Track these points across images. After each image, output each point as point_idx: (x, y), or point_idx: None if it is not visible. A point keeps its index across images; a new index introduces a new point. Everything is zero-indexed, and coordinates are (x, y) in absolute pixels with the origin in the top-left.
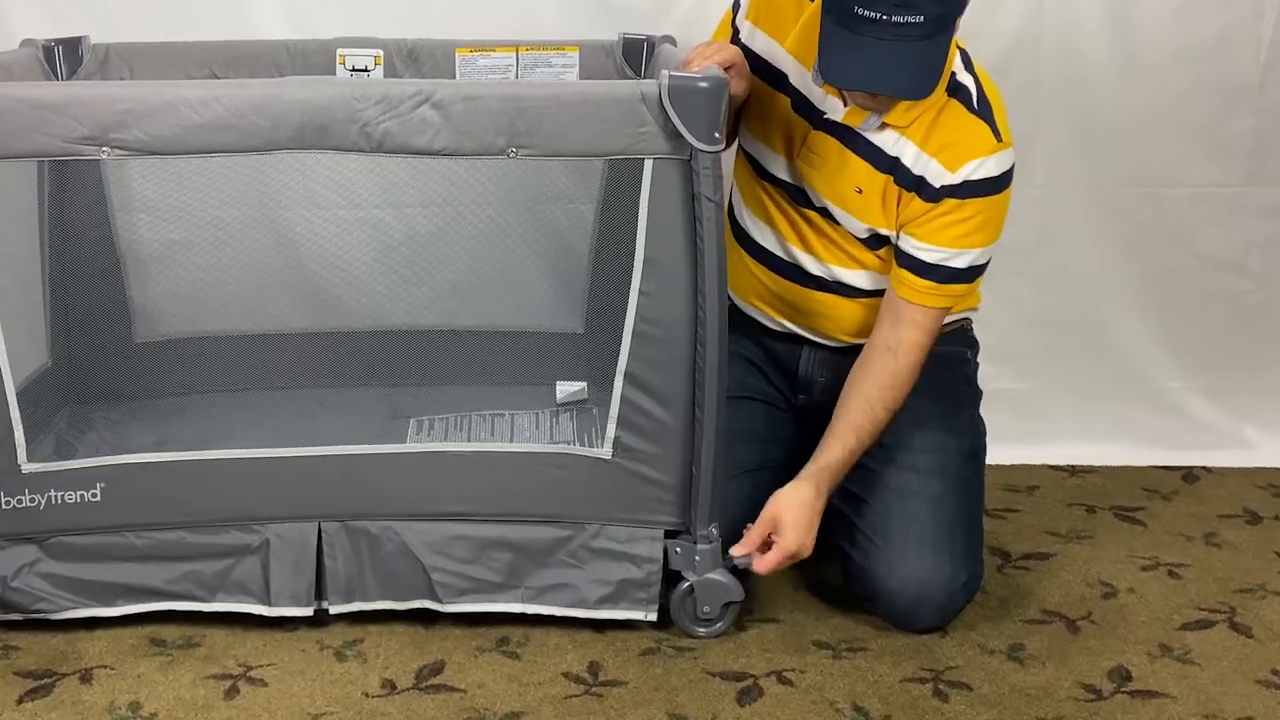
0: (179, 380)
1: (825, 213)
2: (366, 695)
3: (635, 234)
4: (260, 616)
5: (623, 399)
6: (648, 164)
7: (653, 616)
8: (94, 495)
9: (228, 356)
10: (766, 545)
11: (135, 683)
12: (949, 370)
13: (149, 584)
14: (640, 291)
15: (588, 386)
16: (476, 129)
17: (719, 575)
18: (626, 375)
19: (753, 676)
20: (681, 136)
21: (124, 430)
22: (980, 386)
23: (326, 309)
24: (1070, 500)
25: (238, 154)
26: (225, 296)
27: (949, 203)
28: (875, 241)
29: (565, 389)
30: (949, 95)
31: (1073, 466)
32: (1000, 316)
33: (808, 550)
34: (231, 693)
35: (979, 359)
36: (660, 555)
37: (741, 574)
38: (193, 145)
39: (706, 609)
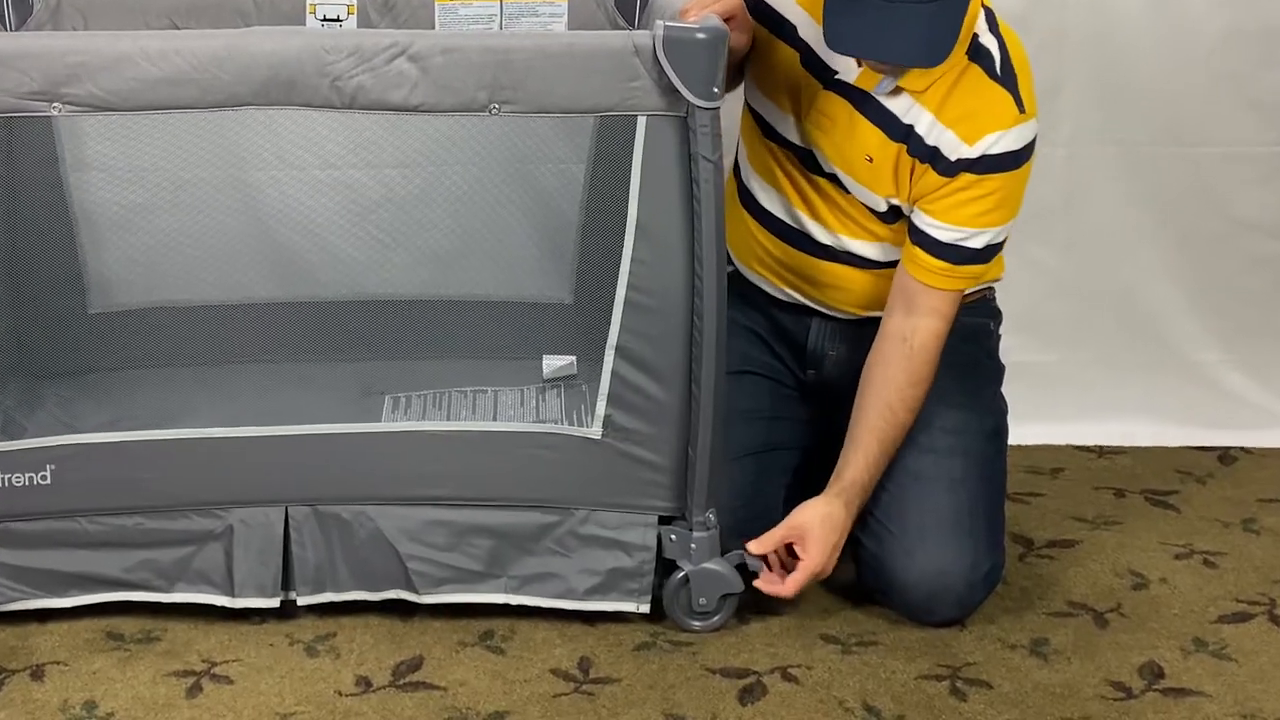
0: (137, 354)
1: (835, 180)
2: (339, 693)
3: (627, 197)
4: (224, 608)
5: (614, 374)
6: (641, 121)
7: (645, 608)
8: (44, 478)
9: (189, 328)
10: (786, 552)
11: (90, 680)
12: (970, 344)
13: (104, 573)
14: (633, 259)
15: (576, 361)
16: (456, 83)
17: (716, 565)
18: (618, 349)
19: (755, 673)
20: (677, 92)
21: (77, 408)
22: (1002, 361)
23: (296, 277)
24: (1098, 483)
25: (199, 110)
26: (187, 264)
27: (965, 178)
28: (892, 215)
29: (553, 364)
30: (969, 59)
31: (1100, 447)
32: (1022, 284)
33: (831, 569)
34: (194, 691)
35: (1001, 331)
36: (654, 543)
37: (745, 570)
38: (150, 101)
39: (703, 601)
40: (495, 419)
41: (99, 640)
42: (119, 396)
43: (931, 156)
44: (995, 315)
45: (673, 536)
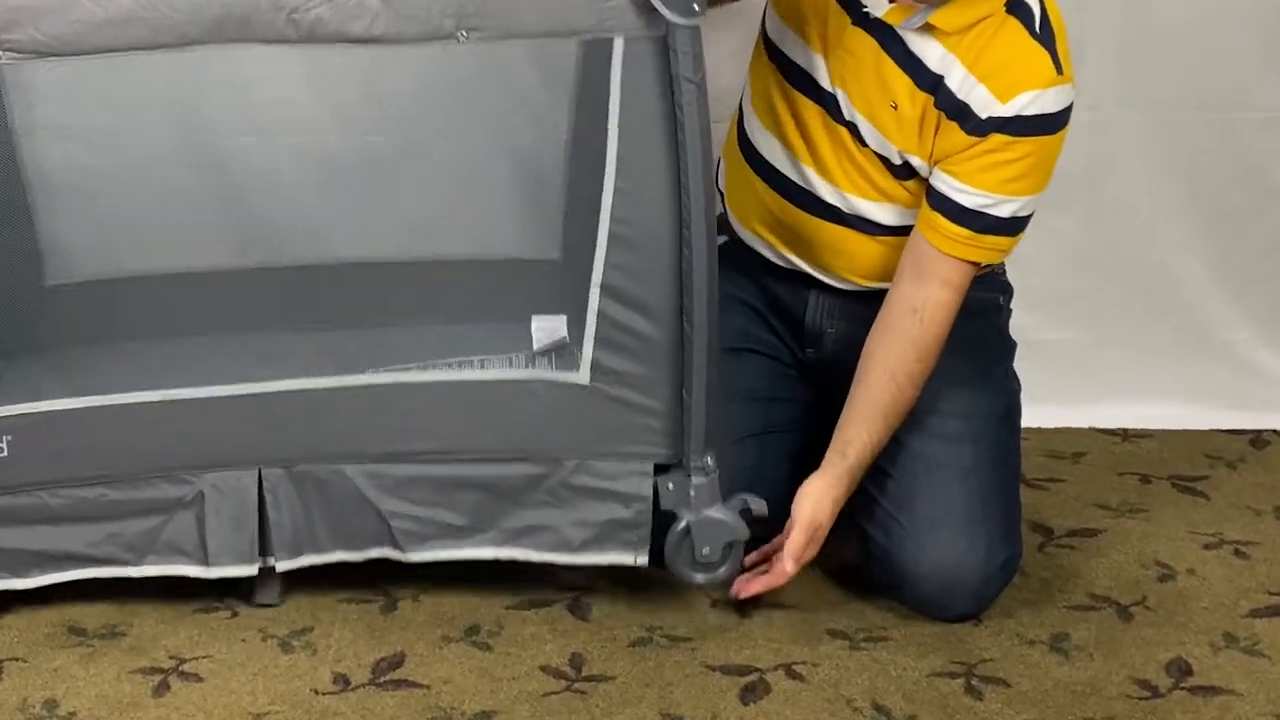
0: (97, 328)
1: (853, 130)
2: (316, 692)
3: (606, 125)
4: (192, 603)
5: (600, 315)
6: (618, 43)
7: (644, 561)
8: (0, 451)
9: (153, 299)
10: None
11: (51, 677)
12: (979, 320)
13: (68, 549)
14: (615, 190)
15: (567, 322)
16: (420, 10)
17: (718, 512)
18: (603, 288)
19: (758, 670)
20: (655, 10)
21: (34, 385)
22: (1013, 338)
23: (266, 242)
24: (1121, 469)
25: (150, 52)
26: (149, 231)
27: (997, 139)
28: (905, 171)
29: (542, 324)
30: (1008, 13)
31: (1124, 430)
32: (1043, 257)
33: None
34: (161, 689)
35: (1012, 305)
36: (649, 492)
37: (749, 516)
38: (98, 44)
39: (706, 551)
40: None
41: (60, 635)
42: (80, 372)
43: (960, 112)
44: (1005, 290)
45: (670, 485)
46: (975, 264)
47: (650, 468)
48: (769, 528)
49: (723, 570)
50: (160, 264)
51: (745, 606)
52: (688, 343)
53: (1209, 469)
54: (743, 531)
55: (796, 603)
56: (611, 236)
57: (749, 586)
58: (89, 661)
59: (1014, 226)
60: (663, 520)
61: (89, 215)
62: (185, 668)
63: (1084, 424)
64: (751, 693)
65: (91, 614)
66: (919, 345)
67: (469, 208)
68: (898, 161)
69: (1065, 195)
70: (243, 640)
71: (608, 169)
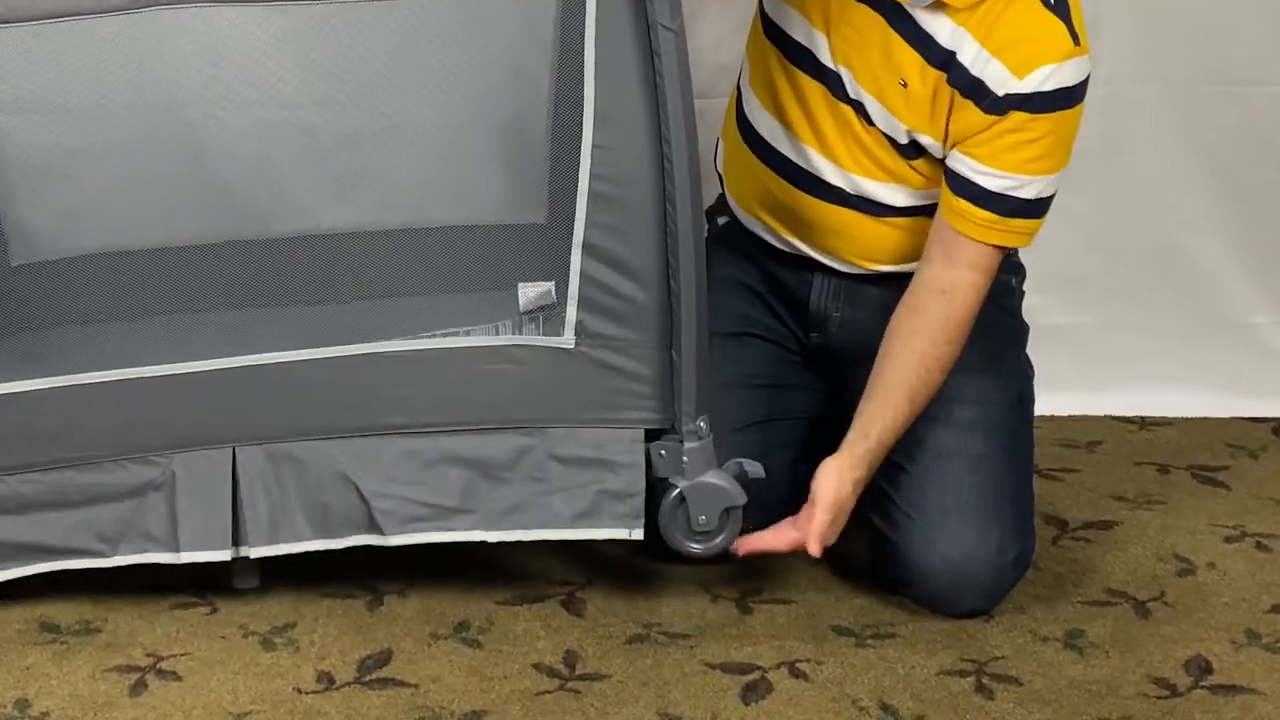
0: (65, 309)
1: (859, 109)
2: (299, 691)
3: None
4: (170, 598)
5: (583, 275)
6: None
7: (639, 534)
8: None
9: (123, 278)
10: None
11: (23, 676)
12: (990, 303)
13: (38, 540)
14: (594, 145)
15: (554, 288)
16: None
17: (714, 478)
18: (585, 246)
19: (760, 669)
20: None
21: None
22: (1026, 321)
23: (237, 215)
24: (1139, 458)
25: (101, 17)
26: (117, 208)
27: (1016, 117)
28: (913, 150)
29: (530, 292)
30: None
31: (1142, 418)
32: (1055, 237)
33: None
34: (138, 688)
35: (1025, 288)
36: (641, 459)
37: (746, 481)
38: (45, 9)
39: (702, 519)
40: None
41: (32, 632)
42: (46, 353)
43: (975, 90)
44: (1017, 270)
45: (662, 452)
46: (1002, 248)
47: (641, 434)
48: (773, 517)
49: (720, 539)
50: (129, 240)
51: (746, 601)
52: (675, 302)
53: (1230, 458)
54: (740, 496)
55: (800, 598)
56: (591, 194)
57: (747, 543)
58: (62, 659)
59: (1039, 208)
60: (658, 491)
61: (54, 192)
62: (163, 666)
63: (1099, 411)
64: (753, 692)
65: (65, 609)
66: (947, 326)
67: (450, 172)
68: (904, 141)
69: (1079, 173)
70: (223, 637)
71: (585, 124)
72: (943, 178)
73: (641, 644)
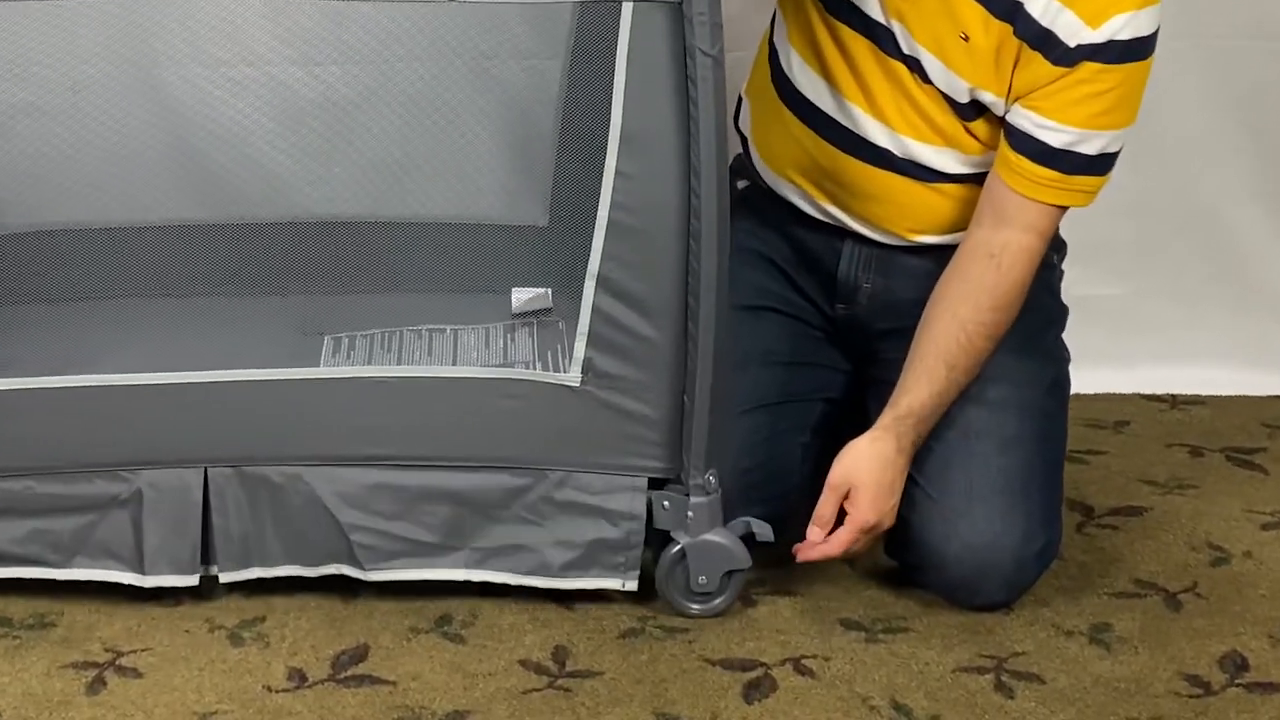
0: (28, 286)
1: (914, 64)
2: (269, 689)
3: (610, 101)
4: (131, 587)
5: (594, 310)
6: (626, 9)
7: (632, 586)
8: None
9: (90, 255)
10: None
11: None
12: (1032, 279)
13: None
14: (617, 173)
15: (552, 294)
16: None
17: (718, 536)
18: (600, 280)
19: (763, 665)
20: None
21: None
22: (1065, 301)
23: (218, 194)
24: (1170, 439)
25: None
26: (85, 178)
27: (1088, 68)
28: (972, 110)
29: (524, 297)
30: None
31: (1173, 396)
32: None
33: (889, 521)
34: (96, 685)
35: (1065, 265)
36: (643, 510)
37: (752, 542)
38: None
39: (702, 580)
40: (454, 363)
41: None
42: (8, 338)
43: (1044, 41)
44: (1059, 246)
45: (665, 503)
46: (1063, 208)
47: (644, 483)
48: (783, 506)
49: (719, 601)
50: (95, 216)
51: (748, 593)
52: (692, 345)
53: (1267, 440)
54: (744, 559)
55: (805, 590)
56: (611, 224)
57: (806, 552)
58: (15, 655)
59: (1103, 165)
60: (656, 541)
61: (15, 159)
62: (123, 662)
63: (1128, 389)
64: (756, 690)
65: (17, 603)
66: (995, 292)
67: (446, 162)
68: (965, 100)
69: None
70: (187, 631)
71: (609, 149)
72: (1001, 136)
73: (636, 638)
